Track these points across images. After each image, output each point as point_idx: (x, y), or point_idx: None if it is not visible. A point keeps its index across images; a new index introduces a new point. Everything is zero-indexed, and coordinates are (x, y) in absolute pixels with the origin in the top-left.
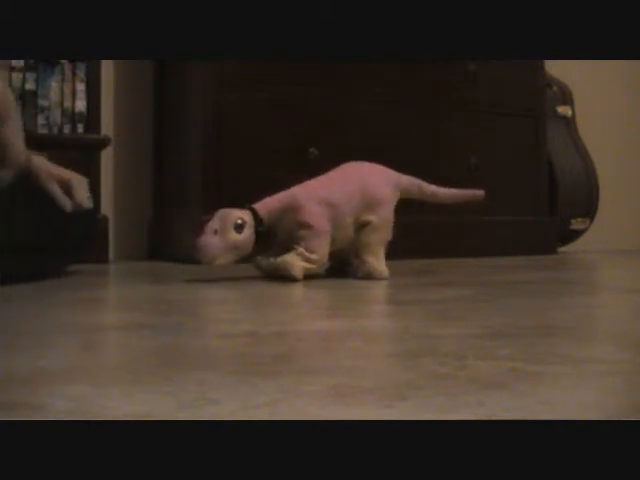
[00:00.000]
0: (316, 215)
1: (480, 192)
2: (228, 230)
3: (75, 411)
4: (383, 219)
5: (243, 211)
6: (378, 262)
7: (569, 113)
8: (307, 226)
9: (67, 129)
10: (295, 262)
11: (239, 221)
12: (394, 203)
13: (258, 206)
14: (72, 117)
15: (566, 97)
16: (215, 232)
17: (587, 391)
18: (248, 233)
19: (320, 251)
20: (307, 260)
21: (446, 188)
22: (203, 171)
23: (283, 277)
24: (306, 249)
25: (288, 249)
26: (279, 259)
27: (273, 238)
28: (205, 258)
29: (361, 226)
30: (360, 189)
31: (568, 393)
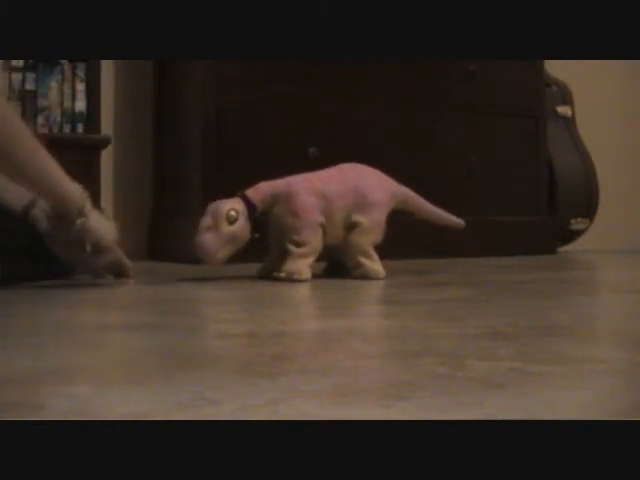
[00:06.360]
0: (308, 205)
1: (461, 222)
2: (221, 224)
3: (75, 411)
4: (373, 222)
5: (234, 200)
6: (373, 262)
7: (569, 113)
8: (297, 216)
9: (67, 129)
10: (297, 267)
11: (232, 212)
12: (387, 209)
13: (251, 192)
14: (72, 117)
15: (566, 97)
16: (209, 228)
17: (587, 391)
18: (242, 222)
19: (312, 241)
20: (303, 256)
21: (434, 206)
22: (203, 171)
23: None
24: (296, 242)
25: (280, 246)
26: (282, 273)
27: (268, 226)
28: (204, 256)
29: (351, 226)
30: (355, 189)
31: (568, 393)
